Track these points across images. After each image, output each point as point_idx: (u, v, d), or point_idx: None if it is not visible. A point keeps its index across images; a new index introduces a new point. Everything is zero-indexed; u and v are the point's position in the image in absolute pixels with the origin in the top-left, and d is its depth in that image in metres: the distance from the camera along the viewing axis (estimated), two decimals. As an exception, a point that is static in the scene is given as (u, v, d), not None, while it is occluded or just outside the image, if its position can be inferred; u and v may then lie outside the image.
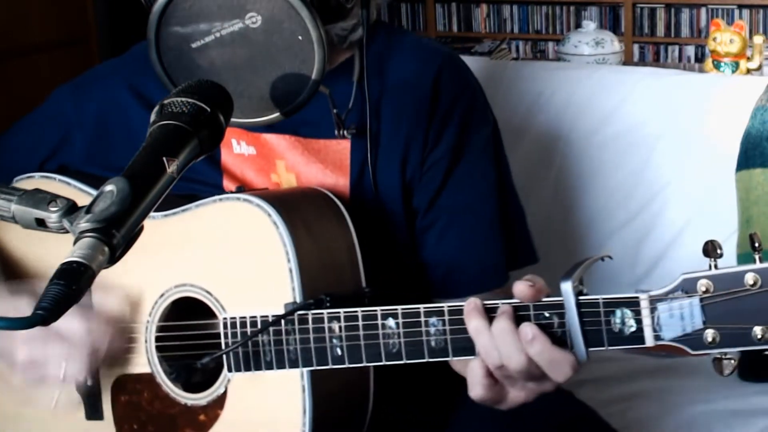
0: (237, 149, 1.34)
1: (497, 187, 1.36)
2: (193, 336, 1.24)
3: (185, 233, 1.24)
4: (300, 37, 1.14)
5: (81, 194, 1.31)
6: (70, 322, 1.19)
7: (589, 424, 1.35)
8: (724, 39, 2.28)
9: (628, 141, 2.01)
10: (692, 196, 1.96)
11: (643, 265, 1.98)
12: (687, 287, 0.98)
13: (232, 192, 1.27)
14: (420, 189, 1.32)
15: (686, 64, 4.54)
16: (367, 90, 1.28)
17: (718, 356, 0.98)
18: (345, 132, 1.28)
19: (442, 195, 1.32)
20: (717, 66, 2.31)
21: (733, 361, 0.98)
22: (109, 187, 0.91)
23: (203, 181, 1.33)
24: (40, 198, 0.94)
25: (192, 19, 1.16)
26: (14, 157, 1.43)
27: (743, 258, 1.78)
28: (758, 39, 2.32)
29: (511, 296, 1.17)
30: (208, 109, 1.01)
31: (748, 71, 2.30)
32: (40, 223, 0.94)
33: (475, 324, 1.04)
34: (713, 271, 0.98)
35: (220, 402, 1.21)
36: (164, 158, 0.95)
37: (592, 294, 1.03)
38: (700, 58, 4.49)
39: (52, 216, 0.93)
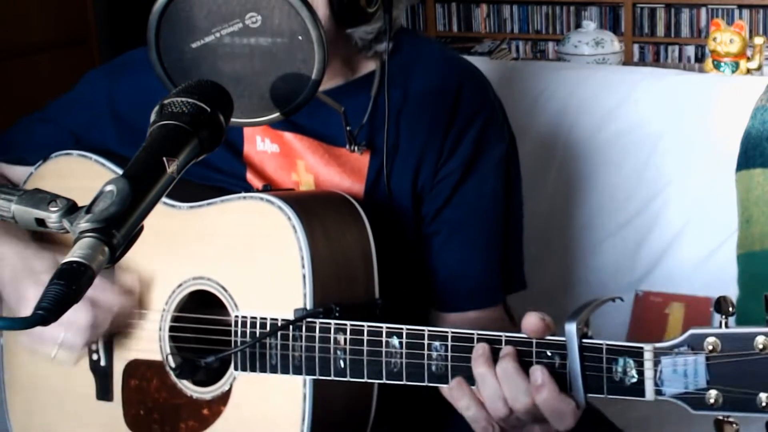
0: (261, 146, 1.34)
1: (504, 206, 1.36)
2: (205, 329, 1.24)
3: (208, 227, 1.25)
4: (300, 37, 1.15)
5: (113, 175, 1.31)
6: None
7: (594, 423, 1.35)
8: (724, 39, 2.29)
9: (628, 141, 2.01)
10: (692, 196, 1.96)
11: (643, 265, 1.98)
12: (693, 343, 0.95)
13: (258, 190, 1.28)
14: (429, 198, 1.33)
15: (686, 64, 4.54)
16: (387, 104, 1.28)
17: (720, 418, 0.95)
18: (356, 148, 1.28)
19: (449, 207, 1.33)
20: (717, 66, 2.31)
21: (735, 425, 0.94)
22: (109, 187, 0.91)
23: (227, 173, 1.34)
24: (40, 198, 0.94)
25: (192, 19, 1.16)
26: (50, 132, 1.45)
27: (743, 258, 1.78)
28: (759, 40, 2.32)
29: (508, 317, 1.17)
30: (208, 109, 1.01)
31: (748, 71, 2.30)
32: (40, 223, 0.94)
33: (481, 371, 1.04)
34: (722, 330, 0.94)
35: (223, 398, 1.21)
36: (164, 158, 0.95)
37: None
38: (700, 58, 4.49)
39: (52, 216, 0.93)
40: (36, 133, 1.46)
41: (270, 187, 1.30)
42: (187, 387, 1.24)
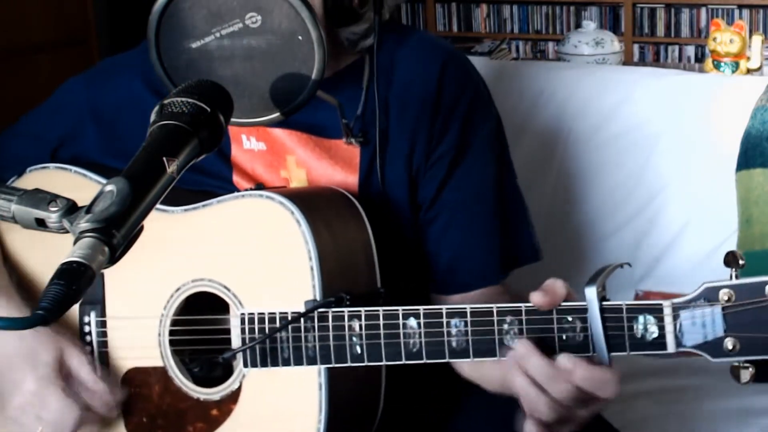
0: (247, 145, 1.34)
1: (499, 183, 1.37)
2: (206, 331, 1.24)
3: (205, 229, 1.25)
4: (300, 38, 1.15)
5: (96, 186, 1.31)
6: (87, 376, 1.25)
7: (590, 423, 1.35)
8: (724, 39, 2.28)
9: (628, 141, 2.01)
10: (692, 196, 1.96)
11: (643, 265, 1.98)
12: (709, 296, 1.01)
13: (250, 189, 1.28)
14: (424, 183, 1.33)
15: (686, 64, 4.54)
16: (376, 94, 1.29)
17: (736, 364, 1.00)
18: (354, 140, 1.29)
19: (445, 190, 1.33)
20: (717, 66, 2.31)
21: (750, 369, 1.00)
22: (109, 187, 0.91)
23: (213, 175, 1.34)
24: (40, 198, 0.95)
25: (192, 19, 1.16)
26: (26, 145, 1.43)
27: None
28: (758, 39, 2.32)
29: (510, 292, 1.17)
30: (208, 109, 1.01)
31: (748, 71, 2.30)
32: (40, 223, 0.94)
33: (519, 381, 1.05)
34: (735, 281, 1.00)
35: (233, 397, 1.21)
36: (164, 158, 0.95)
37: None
38: (700, 58, 4.49)
39: (52, 216, 0.93)
40: (11, 148, 1.43)
41: (263, 186, 1.30)
42: (194, 389, 1.24)
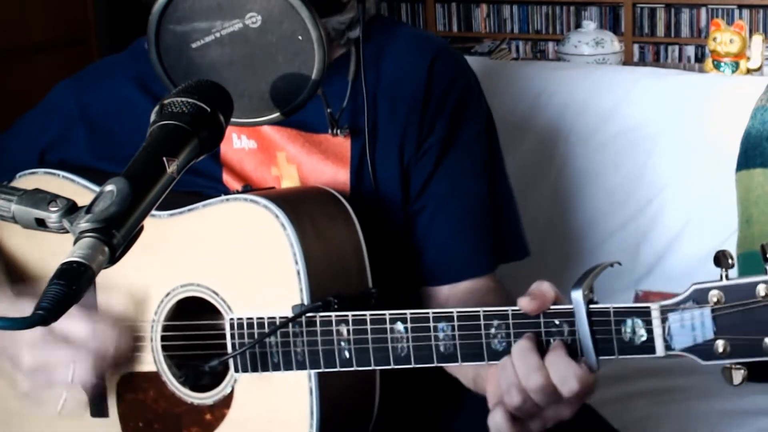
0: (237, 143, 1.34)
1: (488, 177, 1.37)
2: (198, 336, 1.24)
3: (192, 233, 1.24)
4: (300, 37, 1.15)
5: (84, 191, 1.31)
6: (74, 324, 1.19)
7: (589, 423, 1.35)
8: (724, 39, 2.29)
9: (628, 141, 2.01)
10: (692, 196, 1.96)
11: (643, 266, 1.98)
12: (698, 297, 0.98)
13: (238, 191, 1.27)
14: (415, 174, 1.34)
15: (686, 64, 4.54)
16: (364, 86, 1.29)
17: (728, 365, 0.98)
18: (339, 131, 1.28)
19: (433, 181, 1.33)
20: (717, 66, 2.31)
21: (743, 371, 0.97)
22: (109, 187, 0.91)
23: (203, 175, 1.34)
24: (40, 198, 0.94)
25: (192, 19, 1.16)
26: (17, 149, 1.43)
27: (743, 258, 1.79)
28: (758, 39, 2.32)
29: (499, 286, 1.16)
30: (208, 109, 1.01)
31: (748, 71, 2.30)
32: (40, 223, 0.94)
33: (503, 360, 1.05)
34: (724, 282, 0.97)
35: (226, 402, 1.21)
36: (164, 158, 0.95)
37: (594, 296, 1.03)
38: (700, 58, 4.49)
39: (52, 216, 0.93)
40: (6, 152, 1.44)
41: (250, 188, 1.29)
42: (187, 394, 1.24)
